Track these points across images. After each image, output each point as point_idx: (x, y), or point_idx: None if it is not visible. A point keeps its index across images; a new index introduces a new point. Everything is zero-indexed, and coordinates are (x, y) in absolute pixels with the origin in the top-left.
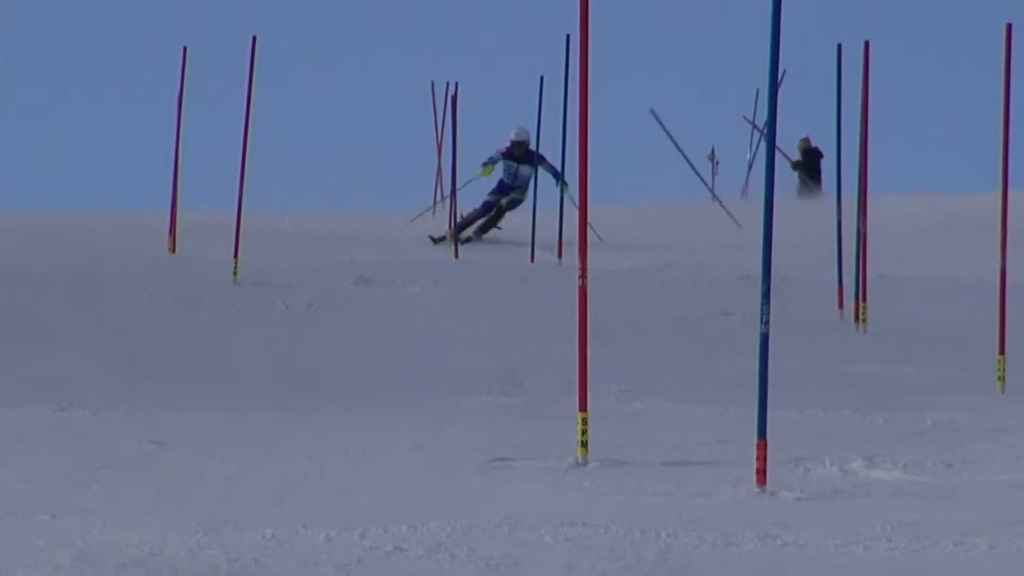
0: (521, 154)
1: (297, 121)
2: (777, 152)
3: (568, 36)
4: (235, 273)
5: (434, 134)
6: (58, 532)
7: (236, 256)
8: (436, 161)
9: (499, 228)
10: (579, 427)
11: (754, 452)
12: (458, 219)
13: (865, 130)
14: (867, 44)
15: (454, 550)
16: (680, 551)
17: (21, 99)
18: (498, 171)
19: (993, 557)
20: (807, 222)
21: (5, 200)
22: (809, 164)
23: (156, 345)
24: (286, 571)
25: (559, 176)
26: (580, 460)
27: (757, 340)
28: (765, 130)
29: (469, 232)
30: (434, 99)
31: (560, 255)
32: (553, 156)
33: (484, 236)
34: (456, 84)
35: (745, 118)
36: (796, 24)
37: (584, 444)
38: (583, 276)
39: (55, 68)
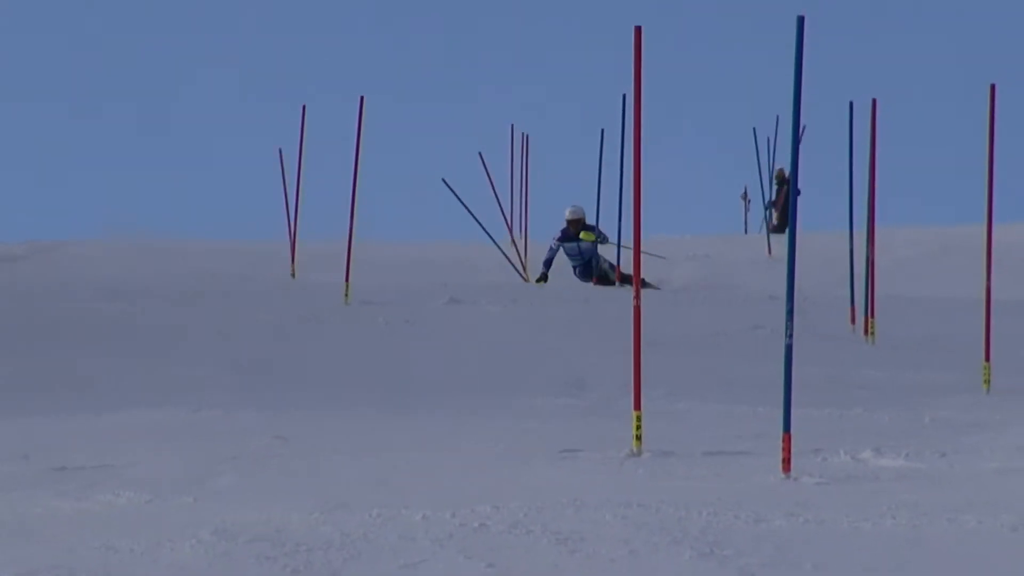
0: (577, 230)
1: (395, 163)
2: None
3: (624, 96)
4: (346, 295)
5: (509, 175)
6: (198, 512)
7: (347, 280)
8: (509, 198)
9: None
10: (634, 423)
11: (780, 444)
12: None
13: (872, 173)
14: (875, 101)
15: (530, 527)
16: (719, 527)
17: (172, 148)
18: (562, 258)
19: (980, 532)
20: (825, 250)
21: (151, 231)
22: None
23: (279, 355)
24: (389, 544)
25: (606, 239)
26: (635, 451)
27: (783, 350)
28: (764, 201)
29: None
30: (512, 143)
31: (619, 279)
32: (611, 199)
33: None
34: (526, 136)
35: (741, 197)
36: (813, 84)
37: (638, 438)
38: (637, 297)
39: (201, 124)
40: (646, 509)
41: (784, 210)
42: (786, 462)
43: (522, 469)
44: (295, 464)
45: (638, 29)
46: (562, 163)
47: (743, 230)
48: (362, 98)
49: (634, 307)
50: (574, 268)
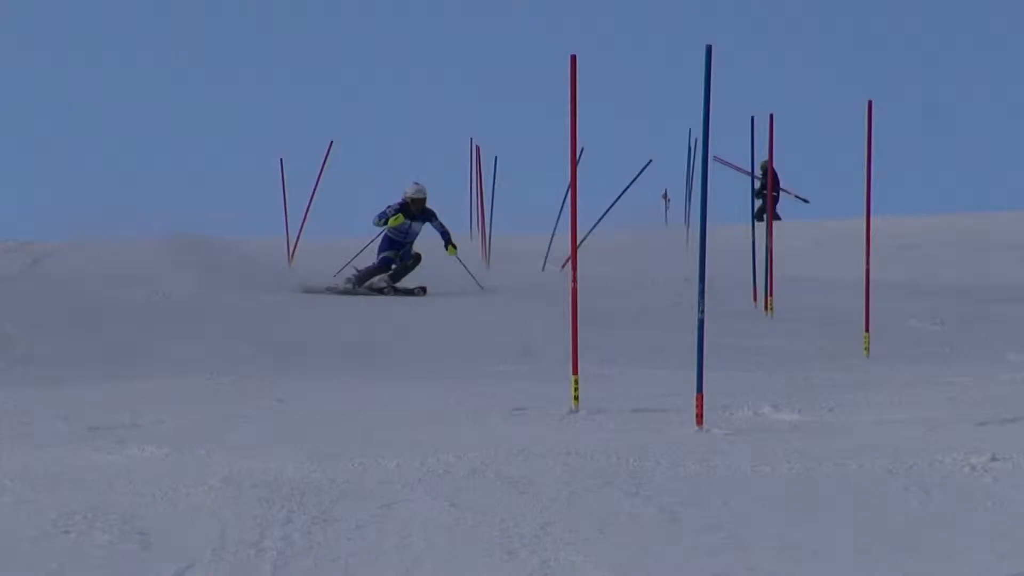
0: (418, 211)
1: (370, 173)
2: (744, 174)
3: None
4: None
5: (469, 184)
6: (210, 462)
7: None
8: (468, 203)
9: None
10: (572, 386)
11: (694, 402)
12: (357, 272)
13: (771, 177)
14: (772, 116)
15: (486, 472)
16: (643, 471)
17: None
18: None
19: (860, 473)
20: (732, 240)
21: (172, 229)
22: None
23: (279, 333)
24: (368, 488)
25: (448, 238)
26: (573, 409)
27: (696, 323)
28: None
29: (379, 283)
30: (471, 154)
31: (563, 265)
32: (557, 196)
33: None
34: (477, 145)
35: (663, 196)
36: (721, 102)
37: (576, 398)
38: (574, 280)
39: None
40: (582, 457)
41: (764, 200)
42: (699, 417)
43: (479, 424)
44: (291, 422)
45: (573, 57)
46: (510, 167)
47: (664, 223)
48: (331, 142)
49: (572, 289)
50: (387, 239)
